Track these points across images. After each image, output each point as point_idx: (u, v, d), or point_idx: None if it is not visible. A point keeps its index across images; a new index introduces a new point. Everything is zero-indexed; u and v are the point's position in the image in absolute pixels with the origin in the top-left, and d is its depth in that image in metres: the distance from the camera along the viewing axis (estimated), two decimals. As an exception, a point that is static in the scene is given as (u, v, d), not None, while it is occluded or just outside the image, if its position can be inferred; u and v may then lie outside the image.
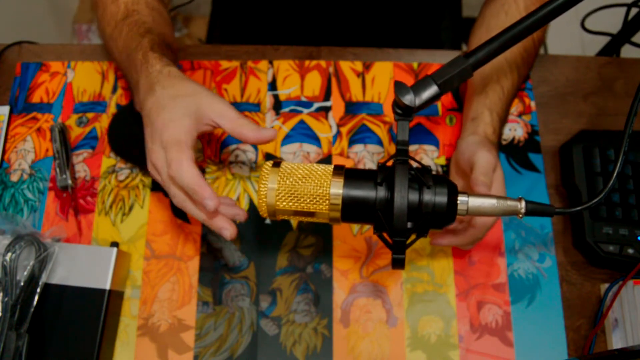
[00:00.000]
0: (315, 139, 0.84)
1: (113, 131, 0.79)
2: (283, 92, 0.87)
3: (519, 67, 0.77)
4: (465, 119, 0.77)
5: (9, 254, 0.68)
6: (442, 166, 0.83)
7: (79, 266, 0.71)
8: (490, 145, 0.70)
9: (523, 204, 0.54)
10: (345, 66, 0.89)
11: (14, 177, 0.82)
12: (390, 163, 0.55)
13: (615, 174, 0.53)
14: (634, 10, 0.96)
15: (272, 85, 0.87)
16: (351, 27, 1.06)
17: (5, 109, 0.85)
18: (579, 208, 0.54)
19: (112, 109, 0.86)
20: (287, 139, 0.84)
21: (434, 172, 0.55)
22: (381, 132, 0.84)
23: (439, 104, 0.87)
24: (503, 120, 0.76)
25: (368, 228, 0.79)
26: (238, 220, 0.66)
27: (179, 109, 0.61)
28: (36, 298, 0.68)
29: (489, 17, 0.80)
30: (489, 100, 0.75)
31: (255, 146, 0.84)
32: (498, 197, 0.54)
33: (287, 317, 0.75)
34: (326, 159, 0.83)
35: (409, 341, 0.74)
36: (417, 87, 0.55)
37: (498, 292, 0.76)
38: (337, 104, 0.86)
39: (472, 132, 0.73)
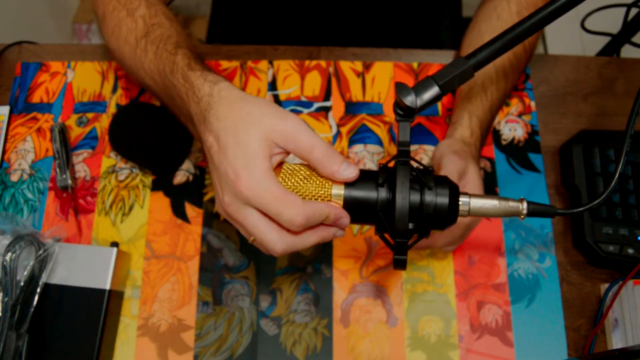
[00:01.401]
0: (315, 139, 0.84)
1: (114, 130, 0.79)
2: (283, 92, 0.87)
3: (506, 74, 0.77)
4: (449, 124, 0.78)
5: (9, 254, 0.68)
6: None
7: (79, 266, 0.71)
8: (462, 148, 0.70)
9: (525, 204, 0.54)
10: (345, 66, 0.89)
11: (14, 177, 0.82)
12: (391, 164, 0.55)
13: (617, 175, 0.53)
14: (634, 11, 0.96)
15: (272, 85, 0.87)
16: (351, 27, 1.06)
17: (5, 109, 0.85)
18: (580, 209, 0.54)
19: (112, 109, 0.86)
20: (287, 139, 0.84)
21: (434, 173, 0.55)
22: (381, 132, 0.84)
23: (439, 104, 0.87)
24: (485, 123, 0.76)
25: (368, 228, 0.79)
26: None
27: (246, 148, 0.50)
28: (36, 298, 0.68)
29: (481, 21, 0.81)
30: (471, 104, 0.75)
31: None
32: (500, 198, 0.54)
33: (287, 317, 0.75)
34: (326, 159, 0.83)
35: (409, 341, 0.74)
36: (419, 88, 0.55)
37: (498, 292, 0.76)
38: (337, 104, 0.86)
39: (448, 136, 0.74)
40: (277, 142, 0.51)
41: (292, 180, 0.54)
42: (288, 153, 0.53)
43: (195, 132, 0.59)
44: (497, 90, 0.77)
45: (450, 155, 0.68)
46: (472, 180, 0.68)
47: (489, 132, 0.81)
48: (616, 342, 0.72)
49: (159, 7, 0.72)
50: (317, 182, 0.54)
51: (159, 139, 0.78)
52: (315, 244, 0.55)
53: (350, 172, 0.52)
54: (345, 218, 0.54)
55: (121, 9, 0.71)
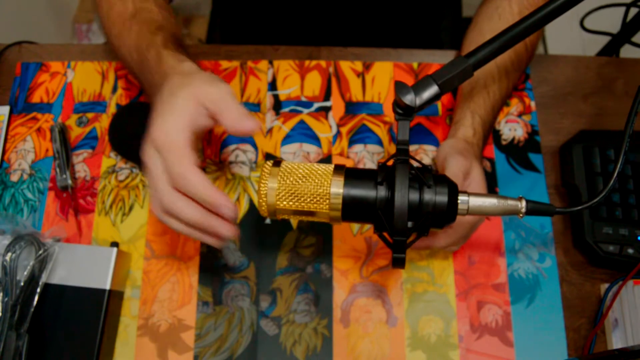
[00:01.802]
0: (315, 139, 0.84)
1: (114, 130, 0.79)
2: (283, 92, 0.87)
3: (508, 72, 0.77)
4: (452, 122, 0.77)
5: (9, 254, 0.68)
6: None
7: (79, 266, 0.71)
8: (466, 148, 0.70)
9: (523, 203, 0.54)
10: (345, 66, 0.89)
11: (14, 177, 0.82)
12: (390, 162, 0.55)
13: (615, 174, 0.53)
14: (633, 10, 0.96)
15: (272, 85, 0.87)
16: (351, 27, 1.06)
17: (5, 109, 0.85)
18: (579, 207, 0.54)
19: (112, 109, 0.86)
20: (287, 139, 0.84)
21: (434, 172, 0.55)
22: (381, 132, 0.84)
23: (439, 104, 0.87)
24: (487, 123, 0.76)
25: (368, 228, 0.79)
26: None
27: (174, 104, 0.56)
28: (36, 298, 0.68)
29: (482, 20, 0.80)
30: (473, 103, 0.75)
31: (255, 146, 0.84)
32: (499, 197, 0.54)
33: (287, 317, 0.75)
34: (326, 159, 0.83)
35: (409, 341, 0.74)
36: (418, 87, 0.55)
37: (498, 292, 0.76)
38: (337, 104, 0.86)
39: (451, 136, 0.74)
40: (204, 104, 0.56)
41: (290, 179, 0.54)
42: (214, 118, 0.57)
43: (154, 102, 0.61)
44: (499, 89, 0.77)
45: (455, 156, 0.68)
46: (476, 180, 0.68)
47: (491, 131, 0.81)
48: (616, 342, 0.72)
49: None
50: (316, 181, 0.54)
51: None
52: (192, 220, 0.56)
53: (252, 125, 0.57)
54: (226, 208, 0.55)
55: None
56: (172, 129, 0.55)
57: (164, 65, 0.61)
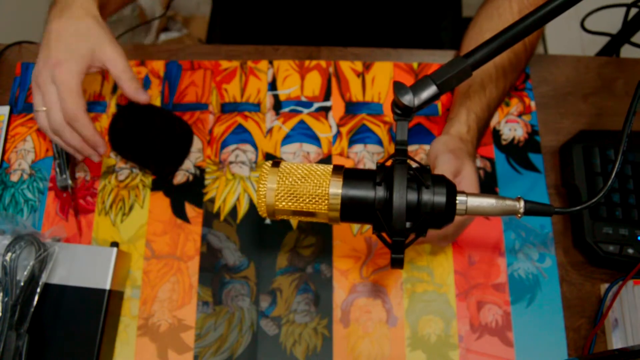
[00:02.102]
0: (315, 139, 0.84)
1: (114, 130, 0.79)
2: (283, 92, 0.87)
3: (506, 72, 0.77)
4: (446, 120, 0.77)
5: (9, 254, 0.68)
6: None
7: (79, 266, 0.71)
8: (458, 146, 0.70)
9: (522, 203, 0.54)
10: (345, 66, 0.89)
11: (14, 177, 0.82)
12: (389, 163, 0.55)
13: (614, 174, 0.53)
14: (633, 10, 0.96)
15: (272, 85, 0.87)
16: (351, 27, 1.06)
17: (5, 109, 0.85)
18: (577, 208, 0.54)
19: (112, 109, 0.86)
20: (287, 139, 0.84)
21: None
22: (381, 132, 0.84)
23: (438, 104, 0.87)
24: (483, 120, 0.76)
25: (368, 228, 0.79)
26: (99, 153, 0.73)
27: (75, 48, 0.66)
28: (36, 298, 0.68)
29: (482, 19, 0.80)
30: (469, 101, 0.75)
31: (255, 146, 0.84)
32: (497, 197, 0.54)
33: (287, 317, 0.75)
34: (326, 159, 0.83)
35: (409, 341, 0.74)
36: (416, 87, 0.55)
37: (498, 292, 0.76)
38: (337, 104, 0.86)
39: (445, 132, 0.73)
40: (98, 57, 0.68)
41: (289, 180, 0.54)
42: (102, 69, 0.70)
43: (49, 14, 0.72)
44: (496, 88, 0.77)
45: (446, 154, 0.68)
46: (467, 178, 0.68)
47: (486, 130, 0.81)
48: (616, 342, 0.72)
49: None
50: (314, 181, 0.54)
51: (158, 139, 0.78)
52: (72, 144, 0.71)
53: (144, 99, 0.72)
54: (102, 148, 0.72)
55: None
56: (73, 72, 0.66)
57: None
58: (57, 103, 0.67)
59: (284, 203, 0.55)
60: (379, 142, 0.84)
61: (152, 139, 0.78)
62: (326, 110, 0.86)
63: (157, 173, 0.82)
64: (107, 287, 0.70)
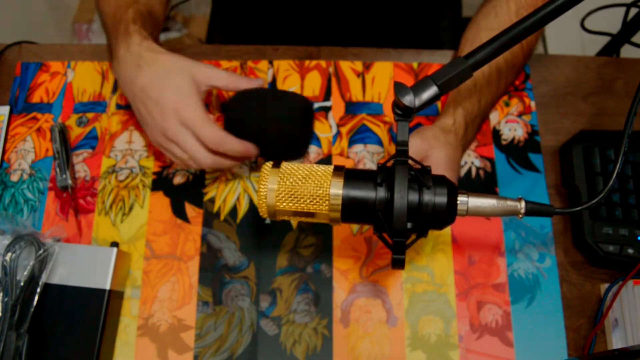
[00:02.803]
0: (315, 139, 0.84)
1: (230, 124, 0.77)
2: (283, 92, 0.87)
3: (500, 71, 0.77)
4: None
5: (9, 254, 0.68)
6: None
7: (79, 266, 0.71)
8: (433, 134, 0.70)
9: (523, 204, 0.54)
10: (345, 66, 0.89)
11: (14, 177, 0.82)
12: (390, 163, 0.55)
13: (615, 174, 0.53)
14: (633, 10, 0.96)
15: (272, 85, 0.87)
16: (351, 27, 1.06)
17: (5, 109, 0.85)
18: (578, 208, 0.54)
19: (112, 109, 0.86)
20: (287, 139, 0.84)
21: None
22: (381, 132, 0.84)
23: (438, 104, 0.87)
24: (471, 114, 0.76)
25: (368, 228, 0.79)
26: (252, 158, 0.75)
27: (182, 87, 0.66)
28: (36, 298, 0.68)
29: (480, 18, 0.81)
30: (459, 96, 0.76)
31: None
32: (498, 198, 0.54)
33: (287, 317, 0.75)
34: (326, 159, 0.83)
35: (409, 341, 0.74)
36: (417, 88, 0.55)
37: (498, 292, 0.76)
38: (337, 104, 0.86)
39: (432, 124, 0.74)
40: (203, 82, 0.69)
41: (290, 180, 0.54)
42: (210, 90, 0.73)
43: (117, 69, 0.71)
44: (488, 85, 0.77)
45: (414, 137, 0.69)
46: (435, 163, 0.68)
47: (481, 125, 0.81)
48: (616, 342, 0.72)
49: None
50: (315, 182, 0.54)
51: (275, 125, 0.78)
52: (230, 166, 0.73)
53: (258, 82, 0.74)
54: (253, 150, 0.72)
55: None
56: (194, 105, 0.66)
57: (129, 39, 0.69)
58: (196, 141, 0.67)
59: (284, 204, 0.55)
60: (379, 142, 0.84)
61: (268, 126, 0.77)
62: (326, 110, 0.86)
63: (291, 154, 0.81)
64: (107, 287, 0.70)
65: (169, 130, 0.67)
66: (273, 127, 0.77)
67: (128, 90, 0.70)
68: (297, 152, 0.82)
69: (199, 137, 0.67)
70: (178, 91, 0.66)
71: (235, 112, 0.77)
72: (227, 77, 0.70)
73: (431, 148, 0.69)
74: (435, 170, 0.67)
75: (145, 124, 0.70)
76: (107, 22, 0.76)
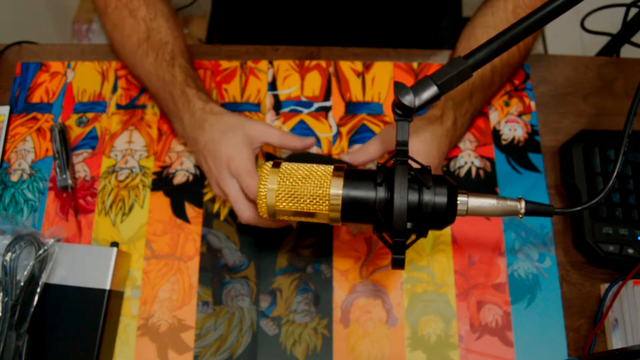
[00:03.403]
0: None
1: None
2: (283, 92, 0.87)
3: (495, 69, 0.77)
4: None
5: (9, 254, 0.68)
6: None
7: (79, 266, 0.71)
8: (416, 123, 0.72)
9: (523, 204, 0.54)
10: (345, 66, 0.89)
11: (14, 177, 0.82)
12: (390, 163, 0.55)
13: (615, 174, 0.53)
14: (633, 10, 0.96)
15: (272, 85, 0.87)
16: (351, 27, 1.06)
17: (5, 109, 0.85)
18: (578, 208, 0.54)
19: (112, 109, 0.86)
20: (287, 139, 0.84)
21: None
22: (381, 132, 0.84)
23: (439, 104, 0.87)
24: (463, 107, 0.76)
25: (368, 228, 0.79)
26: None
27: (236, 142, 0.69)
28: (36, 298, 0.68)
29: (477, 16, 0.81)
30: (452, 90, 0.75)
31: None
32: (498, 197, 0.54)
33: (287, 317, 0.75)
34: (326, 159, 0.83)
35: (409, 341, 0.74)
36: (417, 88, 0.55)
37: (498, 292, 0.76)
38: (337, 104, 0.86)
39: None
40: (257, 138, 0.71)
41: (290, 180, 0.54)
42: (263, 146, 0.73)
43: (180, 131, 0.77)
44: (480, 81, 0.77)
45: (387, 127, 0.72)
46: (412, 152, 0.68)
47: (470, 121, 0.80)
48: (616, 342, 0.72)
49: (158, 7, 0.80)
50: (315, 182, 0.54)
51: None
52: (270, 226, 0.72)
53: (310, 142, 0.74)
54: None
55: (123, 9, 0.80)
56: (242, 158, 0.69)
57: (192, 105, 0.74)
58: (240, 192, 0.69)
59: (284, 204, 0.55)
60: (379, 142, 0.84)
61: None
62: (326, 110, 0.86)
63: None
64: (107, 287, 0.70)
65: (221, 180, 0.70)
66: None
67: (193, 147, 0.75)
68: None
69: (242, 187, 0.68)
70: (232, 145, 0.69)
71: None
72: (280, 136, 0.72)
73: (410, 139, 0.69)
74: (412, 152, 0.68)
75: (207, 176, 0.74)
76: (149, 78, 0.79)
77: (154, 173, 0.82)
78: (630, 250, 0.74)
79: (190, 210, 0.80)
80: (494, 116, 0.85)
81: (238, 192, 0.69)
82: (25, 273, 0.68)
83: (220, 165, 0.70)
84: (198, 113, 0.73)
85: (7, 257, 0.68)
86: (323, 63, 0.89)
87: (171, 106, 0.76)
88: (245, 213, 0.69)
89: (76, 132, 0.84)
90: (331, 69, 0.88)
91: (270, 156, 0.83)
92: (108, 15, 0.81)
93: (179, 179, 0.82)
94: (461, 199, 0.54)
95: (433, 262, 0.78)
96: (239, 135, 0.70)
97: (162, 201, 0.81)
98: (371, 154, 0.72)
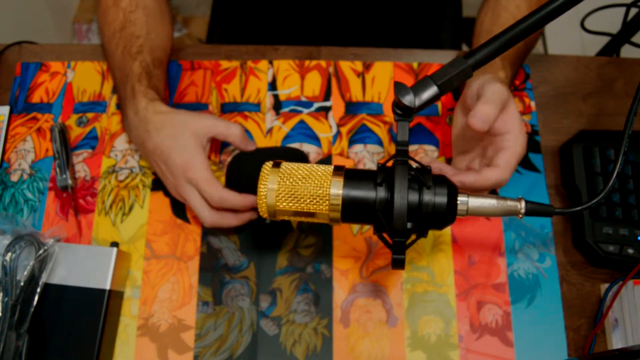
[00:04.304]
0: (315, 139, 0.84)
1: (231, 184, 0.77)
2: (283, 92, 0.87)
3: (518, 48, 0.75)
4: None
5: (9, 254, 0.68)
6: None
7: (79, 266, 0.71)
8: (503, 82, 0.66)
9: (523, 204, 0.54)
10: (345, 66, 0.89)
11: (14, 177, 0.82)
12: (390, 163, 0.55)
13: (615, 174, 0.53)
14: (633, 10, 0.96)
15: (272, 85, 0.87)
16: (351, 27, 1.06)
17: (5, 109, 0.85)
18: (578, 208, 0.54)
19: (112, 109, 0.86)
20: (287, 139, 0.84)
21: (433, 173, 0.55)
22: (381, 132, 0.84)
23: (439, 104, 0.87)
24: (514, 71, 0.74)
25: (368, 228, 0.79)
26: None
27: (186, 145, 0.69)
28: (36, 298, 0.68)
29: (488, 22, 0.79)
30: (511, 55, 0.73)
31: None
32: (498, 198, 0.54)
33: (287, 317, 0.75)
34: (326, 159, 0.83)
35: (409, 341, 0.74)
36: (417, 88, 0.55)
37: (498, 292, 0.76)
38: (337, 104, 0.86)
39: (484, 72, 0.68)
40: (205, 134, 0.70)
41: (290, 180, 0.54)
42: (215, 140, 0.74)
43: (126, 128, 0.76)
44: (523, 44, 0.73)
45: (494, 82, 0.63)
46: (513, 118, 0.63)
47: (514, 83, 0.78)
48: (616, 342, 0.72)
49: (141, 0, 0.80)
50: (315, 182, 0.54)
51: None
52: (234, 224, 0.73)
53: (253, 145, 0.75)
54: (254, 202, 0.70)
55: None
56: (198, 166, 0.68)
57: (137, 103, 0.72)
58: (201, 199, 0.70)
59: (284, 204, 0.55)
60: (379, 142, 0.84)
61: None
62: (326, 110, 0.86)
63: None
64: (107, 287, 0.70)
65: (179, 188, 0.70)
66: None
67: (140, 149, 0.75)
68: None
69: (203, 195, 0.69)
70: (184, 151, 0.69)
71: (234, 170, 0.79)
72: (226, 128, 0.72)
73: (509, 98, 0.64)
74: (516, 123, 0.63)
75: (162, 180, 0.74)
76: (115, 71, 0.79)
77: (154, 173, 0.82)
78: (630, 250, 0.74)
79: (190, 210, 0.80)
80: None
81: (199, 200, 0.70)
82: (25, 273, 0.68)
83: (176, 173, 0.70)
84: (142, 112, 0.72)
85: (7, 257, 0.68)
86: (323, 63, 0.89)
87: (121, 97, 0.76)
88: (209, 219, 0.70)
89: (76, 132, 0.84)
90: (331, 69, 0.88)
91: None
92: (99, 1, 0.82)
93: (179, 179, 0.82)
94: (461, 199, 0.54)
95: (433, 262, 0.78)
96: (187, 137, 0.69)
97: (162, 201, 0.80)
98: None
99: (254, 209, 0.74)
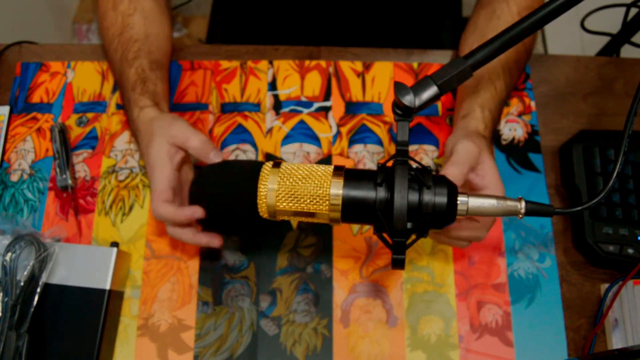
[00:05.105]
0: (315, 139, 0.84)
1: (195, 198, 0.70)
2: (283, 92, 0.87)
3: (511, 69, 0.76)
4: (457, 118, 0.74)
5: (9, 254, 0.68)
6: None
7: (79, 266, 0.71)
8: (477, 138, 0.67)
9: (523, 204, 0.54)
10: (345, 66, 0.89)
11: (14, 177, 0.82)
12: (390, 163, 0.55)
13: (615, 174, 0.53)
14: (633, 10, 0.96)
15: (272, 85, 0.87)
16: (351, 27, 1.06)
17: (5, 109, 0.85)
18: (578, 208, 0.54)
19: (112, 109, 0.86)
20: (287, 139, 0.84)
21: (433, 173, 0.55)
22: (381, 132, 0.84)
23: (439, 104, 0.87)
24: (496, 118, 0.74)
25: (368, 228, 0.79)
26: (212, 246, 0.72)
27: (152, 154, 0.68)
28: (36, 298, 0.68)
29: (482, 23, 0.79)
30: (480, 98, 0.73)
31: (255, 146, 0.84)
32: (498, 198, 0.54)
33: (287, 317, 0.75)
34: (326, 159, 0.83)
35: (409, 341, 0.74)
36: (417, 88, 0.55)
37: (498, 292, 0.76)
38: (337, 104, 0.86)
39: (461, 128, 0.71)
40: (171, 144, 0.68)
41: (290, 180, 0.54)
42: (185, 150, 0.69)
43: (133, 135, 0.76)
44: (504, 84, 0.75)
45: (466, 141, 0.64)
46: (490, 171, 0.65)
47: (496, 128, 0.79)
48: (616, 342, 0.72)
49: (141, 3, 0.80)
50: (315, 182, 0.54)
51: (238, 197, 0.64)
52: (191, 242, 0.71)
53: (218, 157, 0.69)
54: (198, 213, 0.68)
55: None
56: (156, 178, 0.67)
57: (131, 113, 0.73)
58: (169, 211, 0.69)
59: (284, 204, 0.55)
60: (379, 142, 0.84)
61: (231, 198, 0.65)
62: (326, 110, 0.86)
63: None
64: (107, 287, 0.70)
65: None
66: (222, 200, 0.67)
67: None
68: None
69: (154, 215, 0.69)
70: (150, 159, 0.68)
71: (196, 187, 0.70)
72: (199, 141, 0.68)
73: (483, 155, 0.65)
74: (493, 181, 0.64)
75: None
76: (116, 76, 0.80)
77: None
78: (630, 250, 0.74)
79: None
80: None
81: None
82: (25, 273, 0.68)
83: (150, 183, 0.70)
84: (135, 121, 0.73)
85: (7, 257, 0.68)
86: (323, 63, 0.89)
87: (125, 108, 0.77)
88: (168, 230, 0.70)
89: (76, 132, 0.84)
90: (331, 69, 0.88)
91: (270, 156, 0.83)
92: (99, 5, 0.82)
93: (179, 179, 0.82)
94: (461, 199, 0.54)
95: (433, 262, 0.78)
96: (156, 146, 0.68)
97: (162, 201, 0.80)
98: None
99: (226, 235, 0.76)
